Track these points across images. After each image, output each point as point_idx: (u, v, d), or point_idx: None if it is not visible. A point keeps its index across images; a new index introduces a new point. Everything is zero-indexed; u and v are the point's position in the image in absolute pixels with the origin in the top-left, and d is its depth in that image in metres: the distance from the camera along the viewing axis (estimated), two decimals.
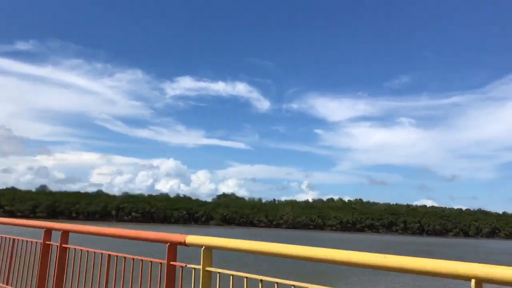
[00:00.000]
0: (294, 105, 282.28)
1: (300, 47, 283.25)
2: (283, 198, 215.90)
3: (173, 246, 4.36)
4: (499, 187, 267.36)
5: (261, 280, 3.47)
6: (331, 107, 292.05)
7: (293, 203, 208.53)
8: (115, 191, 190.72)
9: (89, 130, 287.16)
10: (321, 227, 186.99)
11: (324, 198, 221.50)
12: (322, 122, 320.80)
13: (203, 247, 3.96)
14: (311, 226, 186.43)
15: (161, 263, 4.40)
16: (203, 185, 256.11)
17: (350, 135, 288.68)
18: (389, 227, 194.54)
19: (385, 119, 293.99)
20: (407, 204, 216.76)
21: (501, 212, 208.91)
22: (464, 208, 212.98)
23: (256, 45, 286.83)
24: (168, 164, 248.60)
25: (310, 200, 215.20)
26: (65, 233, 5.91)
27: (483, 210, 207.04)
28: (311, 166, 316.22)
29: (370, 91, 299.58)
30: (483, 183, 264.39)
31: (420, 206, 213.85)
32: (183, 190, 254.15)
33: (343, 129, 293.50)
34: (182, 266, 4.24)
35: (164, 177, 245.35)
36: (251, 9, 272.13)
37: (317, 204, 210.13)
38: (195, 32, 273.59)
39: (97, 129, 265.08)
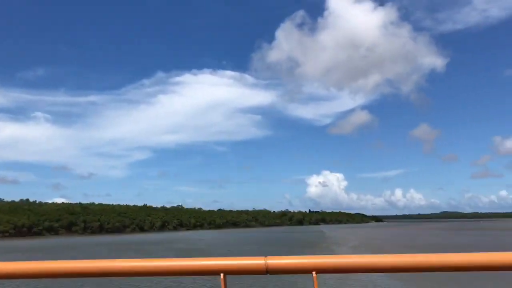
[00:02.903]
0: None
1: None
2: None
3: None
4: (129, 184, 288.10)
5: None
6: None
7: None
8: None
9: None
10: None
11: None
12: None
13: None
14: None
15: None
16: None
17: None
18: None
19: (17, 113, 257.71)
20: (39, 202, 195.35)
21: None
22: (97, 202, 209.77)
23: None
24: None
25: None
26: None
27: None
28: None
29: (1, 80, 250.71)
30: (116, 180, 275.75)
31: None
32: None
33: None
34: None
35: None
36: None
37: None
38: None
39: None
